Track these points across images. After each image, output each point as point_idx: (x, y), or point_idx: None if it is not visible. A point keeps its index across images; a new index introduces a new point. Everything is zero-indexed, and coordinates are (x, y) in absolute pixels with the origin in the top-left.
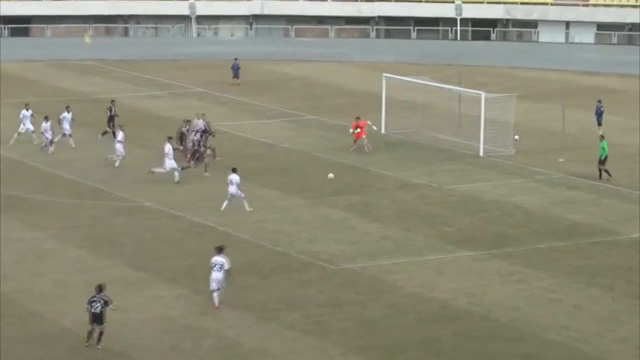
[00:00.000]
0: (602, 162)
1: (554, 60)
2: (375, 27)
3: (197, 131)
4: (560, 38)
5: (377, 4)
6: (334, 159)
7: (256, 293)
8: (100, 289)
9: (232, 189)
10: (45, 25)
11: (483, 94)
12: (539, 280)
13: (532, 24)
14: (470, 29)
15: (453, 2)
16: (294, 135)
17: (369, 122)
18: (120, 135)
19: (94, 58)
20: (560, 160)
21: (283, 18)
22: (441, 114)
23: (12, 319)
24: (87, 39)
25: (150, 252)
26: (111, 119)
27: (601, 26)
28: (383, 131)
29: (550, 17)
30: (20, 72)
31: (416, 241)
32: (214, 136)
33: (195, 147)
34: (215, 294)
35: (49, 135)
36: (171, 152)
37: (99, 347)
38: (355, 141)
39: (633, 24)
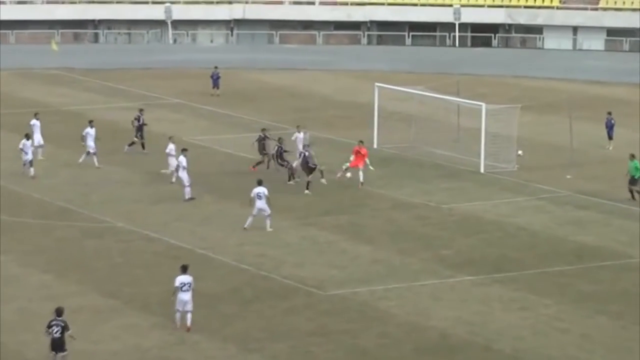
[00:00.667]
0: (633, 182)
1: (560, 68)
2: (366, 33)
3: (305, 145)
4: (567, 44)
5: (368, 7)
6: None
7: (238, 321)
8: (59, 312)
9: (260, 204)
10: (8, 31)
11: (484, 105)
12: (544, 308)
13: (537, 30)
14: (469, 34)
15: (451, 5)
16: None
17: (367, 161)
18: (170, 147)
19: (62, 66)
20: (568, 177)
21: (266, 23)
22: (438, 127)
23: None
24: (54, 46)
25: (122, 278)
26: (140, 128)
27: (611, 32)
28: (375, 146)
29: (556, 22)
30: None
31: (411, 265)
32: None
33: (310, 164)
34: (178, 315)
35: (29, 155)
36: (173, 151)
37: None
38: (346, 169)
39: None
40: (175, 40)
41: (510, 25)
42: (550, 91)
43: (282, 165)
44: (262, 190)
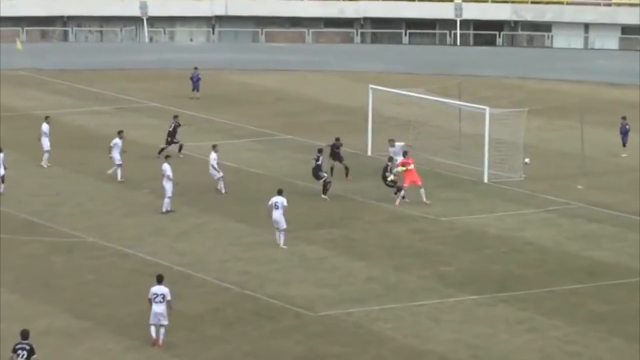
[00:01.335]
0: None
1: (570, 69)
2: (359, 31)
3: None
4: (578, 43)
5: (361, 3)
6: (313, 186)
7: (220, 345)
8: (24, 335)
9: (276, 214)
10: None
11: (487, 109)
12: (553, 329)
13: (545, 27)
14: (471, 32)
15: (452, 1)
16: (265, 158)
17: (399, 169)
18: (214, 156)
19: (28, 67)
20: (579, 187)
21: (251, 20)
22: (438, 132)
23: None
24: (19, 45)
25: (94, 297)
26: (172, 133)
27: (626, 29)
28: (369, 153)
29: (566, 19)
30: None
31: (409, 283)
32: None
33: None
34: (153, 328)
35: (1, 170)
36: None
37: None
38: (398, 189)
39: None
40: (151, 39)
41: (516, 22)
42: (560, 94)
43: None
44: (280, 200)
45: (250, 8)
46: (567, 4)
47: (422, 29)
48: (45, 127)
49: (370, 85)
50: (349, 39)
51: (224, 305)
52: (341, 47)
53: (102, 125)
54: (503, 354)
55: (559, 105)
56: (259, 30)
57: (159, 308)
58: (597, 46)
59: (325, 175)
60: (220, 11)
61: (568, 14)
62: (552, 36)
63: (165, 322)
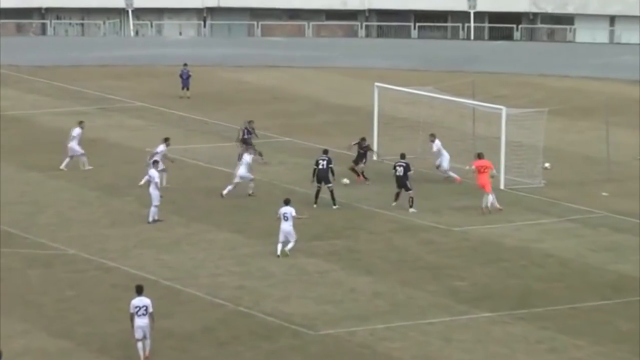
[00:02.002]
0: None
1: (594, 65)
2: (364, 23)
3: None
4: (603, 37)
5: None
6: (312, 192)
7: None
8: None
9: (286, 226)
10: None
11: (504, 109)
12: (576, 349)
13: (567, 20)
14: (487, 25)
15: None
16: (261, 162)
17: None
18: (247, 157)
19: (3, 64)
20: (604, 194)
21: (246, 12)
22: (450, 134)
23: None
24: None
25: (74, 315)
26: (245, 141)
27: None
28: (375, 157)
29: (590, 11)
30: None
31: (418, 299)
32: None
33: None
34: (140, 344)
35: None
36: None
37: None
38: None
39: None
40: (137, 33)
41: (535, 14)
42: (583, 93)
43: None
44: (289, 210)
45: None
46: None
47: (433, 21)
48: (77, 131)
49: (376, 84)
50: (353, 33)
51: (216, 324)
52: (344, 41)
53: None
54: None
55: (582, 105)
56: (255, 23)
57: (142, 321)
58: (623, 40)
59: (333, 182)
60: (212, 2)
61: (592, 5)
62: (574, 30)
63: (149, 336)
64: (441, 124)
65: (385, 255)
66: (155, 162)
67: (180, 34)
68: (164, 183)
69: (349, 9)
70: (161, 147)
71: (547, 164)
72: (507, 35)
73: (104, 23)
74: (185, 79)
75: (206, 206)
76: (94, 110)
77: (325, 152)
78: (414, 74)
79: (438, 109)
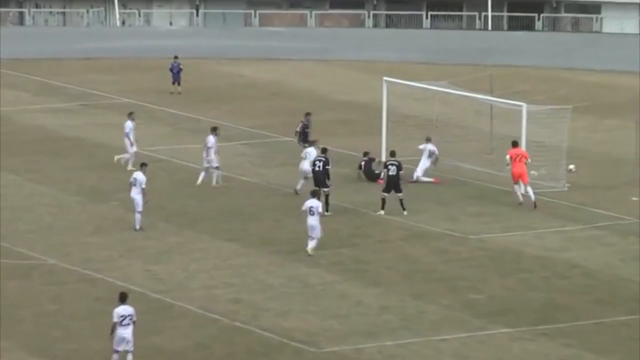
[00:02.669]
0: None
1: (623, 58)
2: (372, 12)
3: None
4: (633, 27)
5: None
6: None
7: None
8: None
9: (312, 220)
10: None
11: (524, 106)
12: None
13: (593, 8)
14: (505, 14)
15: None
16: (260, 164)
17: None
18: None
19: None
20: (634, 199)
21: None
22: (466, 134)
23: None
24: None
25: (56, 331)
26: (303, 134)
27: None
28: (383, 158)
29: None
30: None
31: (430, 314)
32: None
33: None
34: (116, 357)
35: None
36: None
37: None
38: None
39: None
40: (123, 22)
41: (558, 2)
42: (611, 88)
43: None
44: (316, 204)
45: None
46: None
47: (447, 10)
48: (129, 124)
49: (385, 78)
50: (359, 23)
51: (210, 340)
52: (350, 31)
53: (63, 126)
54: None
55: (610, 101)
56: (252, 11)
57: (126, 331)
58: None
59: (330, 186)
60: None
61: None
62: (601, 19)
63: (132, 348)
64: (456, 122)
65: (395, 265)
66: (144, 165)
67: (171, 23)
68: (214, 182)
69: None
70: (211, 139)
71: (571, 166)
72: (528, 25)
73: (88, 12)
74: (176, 73)
75: (199, 212)
76: (76, 107)
77: (324, 151)
78: (426, 67)
79: (452, 105)
